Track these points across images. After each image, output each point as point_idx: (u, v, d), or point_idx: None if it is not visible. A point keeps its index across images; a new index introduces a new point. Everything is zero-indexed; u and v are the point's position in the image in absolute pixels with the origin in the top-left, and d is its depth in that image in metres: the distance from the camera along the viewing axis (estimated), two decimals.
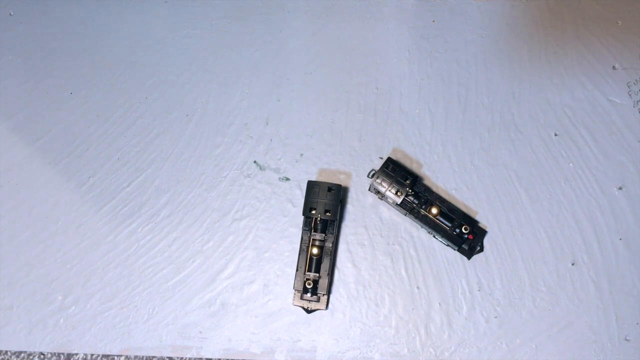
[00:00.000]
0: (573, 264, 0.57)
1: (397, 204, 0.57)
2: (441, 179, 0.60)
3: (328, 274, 0.56)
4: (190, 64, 0.66)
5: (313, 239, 0.57)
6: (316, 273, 0.56)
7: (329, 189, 0.57)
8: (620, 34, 0.64)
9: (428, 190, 0.58)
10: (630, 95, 0.62)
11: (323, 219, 0.57)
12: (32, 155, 0.63)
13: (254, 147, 0.63)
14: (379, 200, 0.60)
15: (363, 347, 0.57)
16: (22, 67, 0.67)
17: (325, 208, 0.57)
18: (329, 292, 0.57)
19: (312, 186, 0.57)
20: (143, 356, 0.57)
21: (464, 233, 0.56)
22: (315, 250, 0.56)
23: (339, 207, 0.58)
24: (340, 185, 0.58)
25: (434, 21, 0.66)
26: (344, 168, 0.61)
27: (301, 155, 0.62)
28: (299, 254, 0.57)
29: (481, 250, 0.58)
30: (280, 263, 0.59)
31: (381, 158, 0.61)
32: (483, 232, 0.58)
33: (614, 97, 0.62)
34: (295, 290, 0.56)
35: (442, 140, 0.62)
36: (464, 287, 0.57)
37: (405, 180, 0.57)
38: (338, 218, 0.58)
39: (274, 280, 0.59)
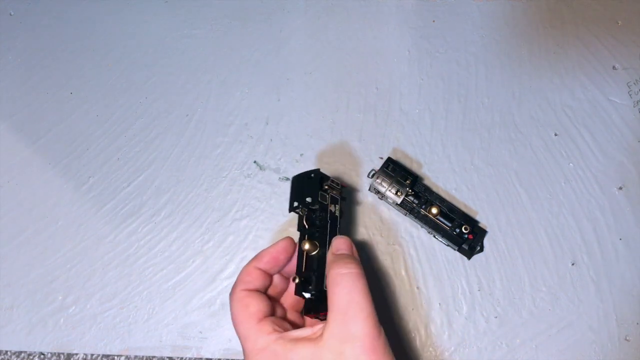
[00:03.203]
0: (573, 264, 0.57)
1: (397, 204, 0.57)
2: (441, 179, 0.60)
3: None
4: (190, 64, 0.66)
5: (307, 236, 0.53)
6: None
7: (309, 177, 0.51)
8: (620, 34, 0.64)
9: (428, 190, 0.58)
10: (630, 95, 0.62)
11: (313, 210, 0.51)
12: (32, 155, 0.63)
13: (254, 147, 0.63)
14: (379, 200, 0.60)
15: None
16: (22, 67, 0.67)
17: (307, 198, 0.50)
18: None
19: (294, 181, 0.53)
20: (143, 356, 0.57)
21: (464, 233, 0.56)
22: (307, 246, 0.49)
23: (319, 193, 0.51)
24: (319, 170, 0.52)
25: (434, 21, 0.66)
26: (344, 168, 0.61)
27: (301, 155, 0.62)
28: (298, 254, 0.56)
29: (481, 250, 0.58)
30: None
31: (381, 158, 0.61)
32: (483, 232, 0.58)
33: (614, 97, 0.62)
34: None
35: (442, 140, 0.61)
36: (464, 287, 0.57)
37: (405, 180, 0.57)
38: (339, 216, 0.57)
39: None
